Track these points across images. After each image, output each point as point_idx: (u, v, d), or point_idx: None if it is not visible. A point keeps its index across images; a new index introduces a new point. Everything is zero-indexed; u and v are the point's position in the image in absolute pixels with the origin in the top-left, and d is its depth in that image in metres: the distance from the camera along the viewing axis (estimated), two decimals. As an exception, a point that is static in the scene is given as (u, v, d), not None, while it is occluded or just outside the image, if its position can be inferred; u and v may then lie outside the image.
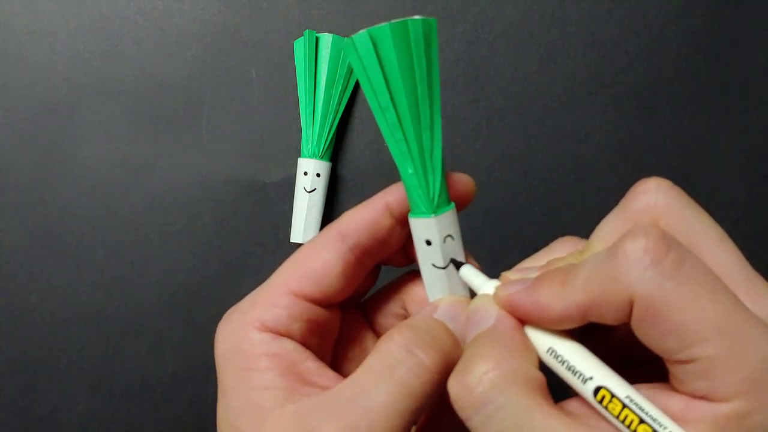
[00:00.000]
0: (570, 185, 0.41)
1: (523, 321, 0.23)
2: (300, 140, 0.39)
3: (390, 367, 0.23)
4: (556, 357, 0.22)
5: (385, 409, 0.22)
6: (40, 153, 0.40)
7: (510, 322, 0.23)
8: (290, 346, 0.26)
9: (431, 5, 0.40)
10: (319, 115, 0.38)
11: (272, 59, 0.40)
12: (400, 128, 0.24)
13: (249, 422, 0.24)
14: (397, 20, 0.23)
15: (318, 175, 0.38)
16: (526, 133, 0.41)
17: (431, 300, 0.26)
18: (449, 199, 0.25)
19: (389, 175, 0.38)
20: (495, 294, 0.23)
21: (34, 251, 0.40)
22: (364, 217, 0.26)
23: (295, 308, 0.26)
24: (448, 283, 0.25)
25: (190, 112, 0.40)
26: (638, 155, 0.41)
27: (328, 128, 0.38)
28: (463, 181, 0.27)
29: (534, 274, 0.23)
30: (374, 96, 0.24)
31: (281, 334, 0.26)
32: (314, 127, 0.38)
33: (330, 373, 0.26)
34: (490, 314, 0.23)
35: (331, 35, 0.39)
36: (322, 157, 0.38)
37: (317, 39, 0.38)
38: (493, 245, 0.41)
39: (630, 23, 0.41)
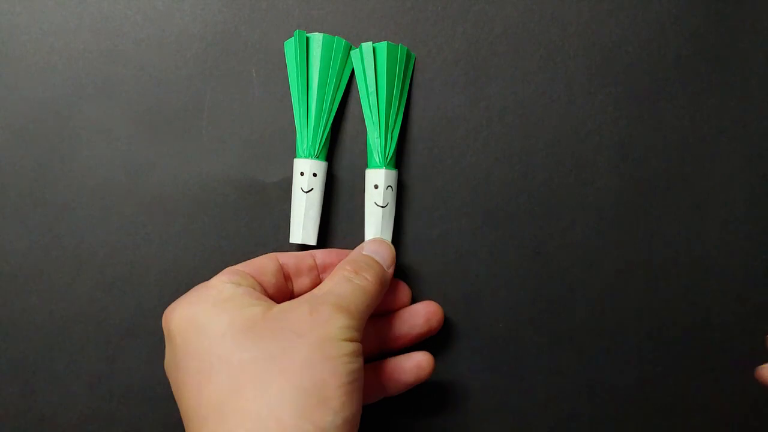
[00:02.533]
0: (570, 185, 0.41)
1: None
2: (300, 140, 0.39)
3: (347, 280, 0.34)
4: None
5: (353, 298, 0.33)
6: (40, 153, 0.40)
7: None
8: (256, 287, 0.34)
9: (431, 5, 0.40)
10: (313, 115, 0.38)
11: (272, 59, 0.40)
12: (377, 108, 0.38)
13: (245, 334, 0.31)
14: (393, 43, 0.38)
15: (314, 174, 0.38)
16: (526, 133, 0.41)
17: (367, 234, 0.38)
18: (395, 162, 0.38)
19: (389, 175, 0.38)
20: None
21: (34, 251, 0.40)
22: (293, 256, 0.37)
23: (243, 275, 0.34)
24: (382, 219, 0.37)
25: (190, 112, 0.40)
26: (638, 155, 0.41)
27: (322, 128, 0.38)
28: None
29: None
30: (365, 85, 0.38)
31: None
32: (308, 126, 0.38)
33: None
34: None
35: (321, 35, 0.39)
36: (317, 157, 0.38)
37: (308, 39, 0.38)
38: (493, 245, 0.41)
39: (630, 23, 0.41)
